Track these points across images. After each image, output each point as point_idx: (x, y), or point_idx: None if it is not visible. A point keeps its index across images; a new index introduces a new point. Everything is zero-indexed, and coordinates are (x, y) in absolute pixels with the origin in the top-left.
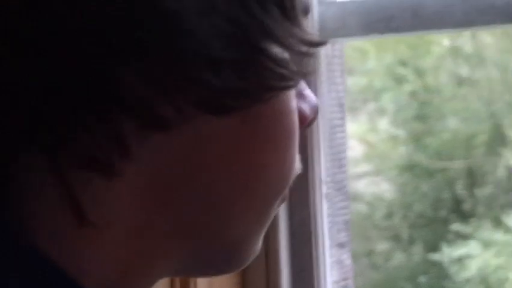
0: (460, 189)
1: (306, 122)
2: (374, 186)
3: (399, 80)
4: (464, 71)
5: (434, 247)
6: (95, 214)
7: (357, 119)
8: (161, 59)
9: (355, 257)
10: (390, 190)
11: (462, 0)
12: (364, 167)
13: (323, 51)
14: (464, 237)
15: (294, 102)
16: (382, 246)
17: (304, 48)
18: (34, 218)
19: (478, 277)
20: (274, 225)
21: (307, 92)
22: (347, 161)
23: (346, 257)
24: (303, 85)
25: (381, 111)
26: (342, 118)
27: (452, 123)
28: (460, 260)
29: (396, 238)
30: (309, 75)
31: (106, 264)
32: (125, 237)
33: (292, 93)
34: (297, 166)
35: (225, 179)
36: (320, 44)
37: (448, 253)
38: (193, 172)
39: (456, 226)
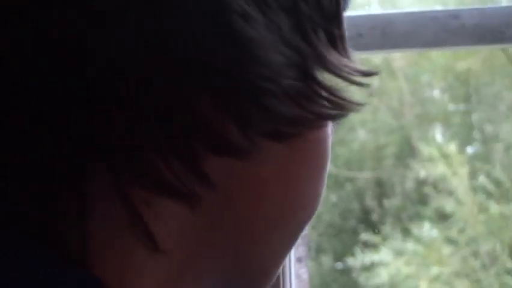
0: (369, 199)
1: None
2: None
3: None
4: (373, 81)
5: (343, 256)
6: (161, 240)
7: None
8: (235, 88)
9: None
10: None
11: (432, 20)
12: None
13: None
14: (373, 246)
15: (329, 128)
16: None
17: (357, 78)
18: (102, 248)
19: (389, 285)
20: None
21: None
22: None
23: (303, 272)
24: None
25: None
26: None
27: (362, 134)
28: (370, 268)
29: (306, 246)
30: (362, 104)
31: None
32: (183, 260)
33: None
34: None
35: (266, 206)
36: (371, 74)
37: (357, 261)
38: (241, 200)
39: (365, 236)
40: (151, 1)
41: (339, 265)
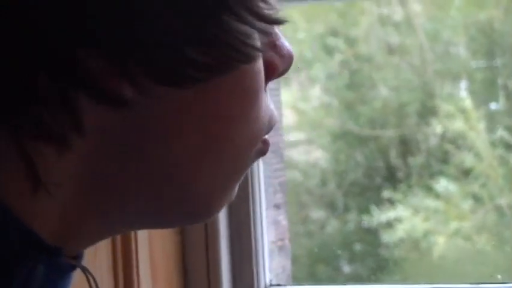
0: (393, 157)
1: (275, 73)
2: (308, 154)
3: (330, 49)
4: (394, 39)
5: (367, 215)
6: (48, 181)
7: (289, 88)
8: (115, 36)
9: (289, 224)
10: (324, 158)
11: None
12: (297, 135)
13: None
14: (396, 203)
15: (257, 65)
16: (317, 213)
17: (263, 25)
18: None
19: (409, 241)
20: None
21: (281, 41)
22: (282, 125)
23: (282, 218)
24: (276, 35)
25: (312, 80)
26: (277, 82)
27: (383, 91)
28: (390, 224)
29: (330, 206)
30: (267, 49)
31: (55, 218)
32: (76, 196)
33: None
34: (273, 115)
35: (186, 144)
36: (278, 22)
37: (379, 218)
38: (151, 141)
39: (388, 193)
40: None
41: (363, 223)
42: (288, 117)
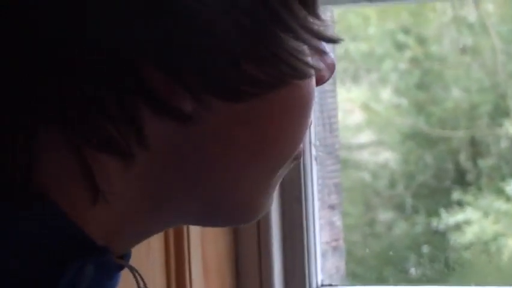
0: (463, 159)
1: (322, 81)
2: (377, 155)
3: (401, 48)
4: (467, 40)
5: (436, 217)
6: (108, 192)
7: (359, 87)
8: (179, 52)
9: (357, 226)
10: (393, 159)
11: None
12: (367, 136)
13: None
14: (465, 205)
15: (311, 81)
16: (385, 215)
17: (320, 44)
18: (50, 190)
19: (478, 244)
20: None
21: (325, 50)
22: (339, 126)
23: (337, 219)
24: (322, 44)
25: (383, 79)
26: (333, 84)
27: (455, 92)
28: (459, 227)
29: (398, 207)
30: (323, 69)
31: (109, 223)
32: (132, 204)
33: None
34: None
35: (238, 153)
36: (335, 41)
37: (448, 221)
38: (207, 151)
39: (458, 195)
40: None
41: (431, 225)
42: (357, 117)
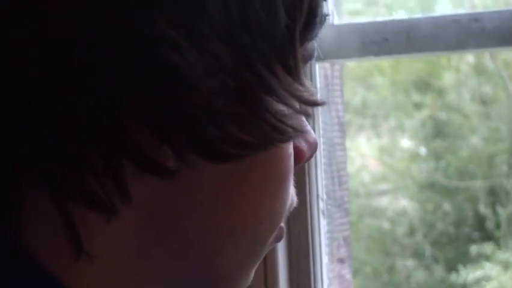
0: (483, 208)
1: (303, 160)
2: (396, 203)
3: (417, 104)
4: (485, 89)
5: (455, 266)
6: (91, 249)
7: (377, 136)
8: (164, 111)
9: (376, 273)
10: (412, 207)
11: (454, 24)
12: (385, 184)
13: (323, 72)
14: (485, 257)
15: (290, 147)
16: (403, 263)
17: (303, 107)
18: (34, 247)
19: None
20: None
21: (307, 128)
22: (348, 179)
23: (346, 272)
24: (304, 121)
25: (400, 128)
26: (342, 137)
27: (473, 141)
28: (479, 282)
29: (417, 255)
30: (306, 131)
31: (95, 282)
32: (116, 267)
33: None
34: (293, 199)
35: (216, 220)
36: (318, 104)
37: (466, 274)
38: (186, 213)
39: (478, 247)
40: (83, 29)
41: (450, 276)
42: (375, 166)
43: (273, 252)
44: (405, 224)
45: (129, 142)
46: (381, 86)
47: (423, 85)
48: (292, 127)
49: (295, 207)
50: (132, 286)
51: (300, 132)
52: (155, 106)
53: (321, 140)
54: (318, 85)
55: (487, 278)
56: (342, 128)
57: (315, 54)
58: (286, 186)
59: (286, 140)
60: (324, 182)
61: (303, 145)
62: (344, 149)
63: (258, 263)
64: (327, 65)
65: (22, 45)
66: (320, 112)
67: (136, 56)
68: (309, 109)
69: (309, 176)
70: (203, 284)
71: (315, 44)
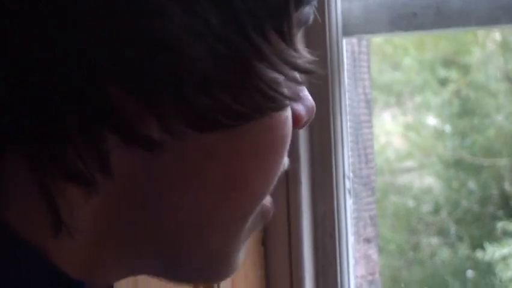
0: (508, 186)
1: (301, 124)
2: (421, 180)
3: (443, 82)
4: (510, 66)
5: (480, 244)
6: (70, 222)
7: (402, 113)
8: (150, 78)
9: (401, 251)
10: (437, 185)
11: None
12: (411, 161)
13: (350, 48)
14: (510, 235)
15: (284, 115)
16: (428, 240)
17: (296, 74)
18: (13, 219)
19: None
20: (296, 217)
21: (305, 92)
22: (374, 157)
23: (373, 252)
24: (301, 86)
25: (426, 106)
26: (369, 114)
27: (498, 119)
28: (505, 259)
29: (442, 233)
30: (300, 99)
31: (76, 256)
32: (96, 241)
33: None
34: (285, 164)
35: (205, 191)
36: (310, 72)
37: (493, 251)
38: (172, 186)
39: (503, 224)
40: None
41: (475, 253)
42: (399, 143)
43: (298, 232)
44: (430, 202)
45: (111, 111)
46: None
47: (449, 63)
48: (285, 95)
49: (320, 186)
50: (113, 262)
51: (294, 100)
52: (139, 72)
53: (348, 117)
54: (345, 61)
55: None
56: (369, 105)
57: (311, 18)
58: (280, 154)
59: (278, 108)
60: (350, 160)
61: (300, 109)
62: (371, 127)
63: (244, 242)
64: (354, 40)
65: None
66: (346, 88)
67: (116, 18)
68: (300, 76)
69: (335, 154)
70: (189, 263)
71: (312, 8)
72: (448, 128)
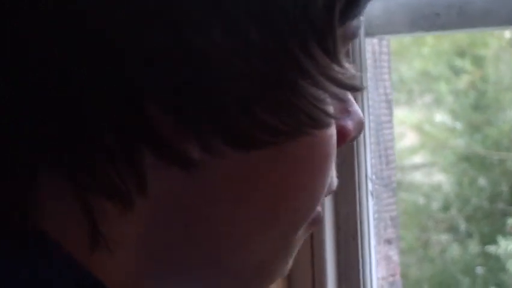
0: None
1: (348, 139)
2: (431, 177)
3: (458, 71)
4: None
5: (490, 240)
6: (108, 239)
7: (413, 109)
8: (188, 96)
9: (410, 248)
10: (447, 181)
11: None
12: (421, 158)
13: (370, 48)
14: None
15: (329, 132)
16: (438, 237)
17: (338, 91)
18: (54, 236)
19: None
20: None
21: (354, 107)
22: (395, 158)
23: (394, 253)
24: (350, 100)
25: (438, 101)
26: (390, 114)
27: (511, 114)
28: None
29: (452, 230)
30: (346, 114)
31: (115, 274)
32: (135, 261)
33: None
34: (333, 182)
35: (246, 211)
36: (354, 89)
37: (504, 247)
38: (211, 205)
39: None
40: (105, 13)
41: (486, 249)
42: (411, 139)
43: (320, 234)
44: (440, 199)
45: (149, 129)
46: (419, 58)
47: (463, 56)
48: (329, 113)
49: (343, 188)
50: (152, 283)
51: (338, 118)
52: (177, 91)
53: (370, 118)
54: (367, 61)
55: None
56: (390, 105)
57: (360, 32)
58: (326, 171)
59: (322, 127)
60: (372, 161)
61: (348, 124)
62: (391, 127)
63: (295, 250)
64: (374, 40)
65: (42, 27)
66: (368, 89)
67: (155, 36)
68: (345, 93)
69: (357, 156)
70: (236, 278)
71: (360, 22)
72: (458, 124)
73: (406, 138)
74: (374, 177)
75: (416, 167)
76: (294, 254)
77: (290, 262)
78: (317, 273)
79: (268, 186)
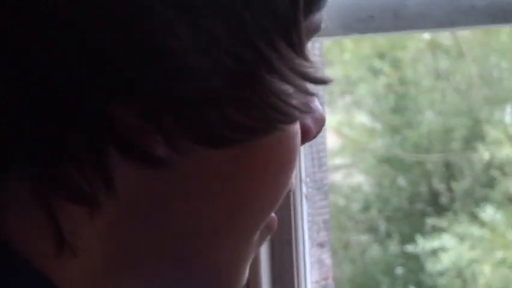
0: (437, 182)
1: (310, 138)
2: (351, 178)
3: (376, 73)
4: (442, 64)
5: (410, 240)
6: (73, 242)
7: (334, 111)
8: (154, 94)
9: (332, 250)
10: (367, 182)
11: (443, 1)
12: (341, 160)
13: None
14: (440, 230)
15: (295, 128)
16: (358, 238)
17: (308, 86)
18: (16, 240)
19: (453, 270)
20: None
21: (315, 104)
22: (327, 160)
23: (326, 257)
24: (313, 96)
25: (358, 104)
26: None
27: (429, 116)
28: (435, 253)
29: (372, 231)
30: (311, 111)
31: (80, 278)
32: (101, 261)
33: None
34: (293, 180)
35: (213, 208)
36: (323, 82)
37: (423, 246)
38: (178, 204)
39: (432, 220)
40: (72, 10)
41: (405, 249)
42: (331, 141)
43: None
44: (361, 200)
45: (114, 128)
46: (341, 61)
47: (382, 58)
48: (296, 107)
49: None
50: (118, 283)
51: (306, 112)
52: (142, 89)
53: None
54: None
55: (444, 249)
56: (322, 108)
57: (321, 26)
58: (289, 169)
59: (289, 121)
60: (305, 164)
61: (309, 122)
62: (324, 130)
63: (252, 256)
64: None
65: (6, 29)
66: None
67: (119, 35)
68: (312, 87)
69: None
70: (197, 282)
71: (323, 16)
72: (378, 126)
73: (328, 141)
74: (307, 179)
75: (336, 168)
76: (250, 262)
77: (247, 270)
78: (252, 277)
79: (236, 184)
